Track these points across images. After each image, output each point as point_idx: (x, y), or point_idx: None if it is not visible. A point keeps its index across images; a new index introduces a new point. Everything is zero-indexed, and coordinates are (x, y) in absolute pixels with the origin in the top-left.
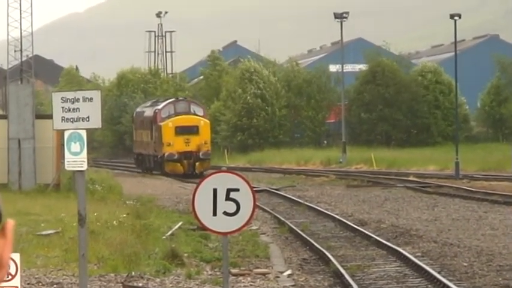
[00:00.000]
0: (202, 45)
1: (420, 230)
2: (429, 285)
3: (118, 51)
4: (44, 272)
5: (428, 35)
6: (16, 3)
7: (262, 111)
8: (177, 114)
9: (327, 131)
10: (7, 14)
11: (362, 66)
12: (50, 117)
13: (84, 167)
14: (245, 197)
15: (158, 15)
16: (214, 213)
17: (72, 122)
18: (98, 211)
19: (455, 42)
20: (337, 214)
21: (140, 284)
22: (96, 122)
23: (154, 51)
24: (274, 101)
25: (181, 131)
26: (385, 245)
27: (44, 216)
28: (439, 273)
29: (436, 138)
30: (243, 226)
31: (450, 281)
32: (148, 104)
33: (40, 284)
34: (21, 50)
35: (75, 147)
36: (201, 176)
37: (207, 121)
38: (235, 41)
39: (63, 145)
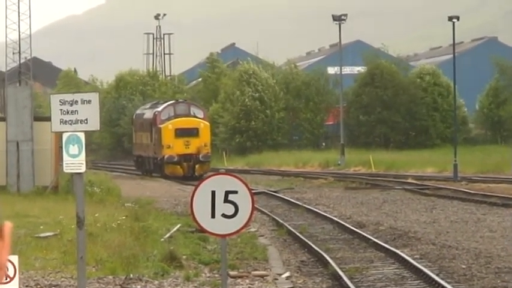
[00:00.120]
0: (200, 48)
1: (418, 232)
2: None
3: (116, 53)
4: (42, 274)
5: (426, 36)
6: (14, 5)
7: (260, 113)
8: (177, 116)
9: (326, 133)
10: (5, 16)
11: (360, 69)
12: (49, 119)
13: (83, 169)
14: (243, 199)
15: (156, 17)
16: (213, 216)
17: (70, 124)
18: (96, 213)
19: (454, 45)
20: (335, 216)
21: (138, 287)
22: (94, 124)
23: (153, 54)
24: (273, 103)
25: (181, 133)
26: (384, 247)
27: (42, 218)
28: (437, 275)
29: (435, 141)
30: (242, 228)
31: (448, 283)
32: (148, 106)
33: (38, 286)
34: (19, 52)
35: (73, 149)
36: (200, 179)
37: (207, 123)
38: (234, 44)
39: (62, 147)
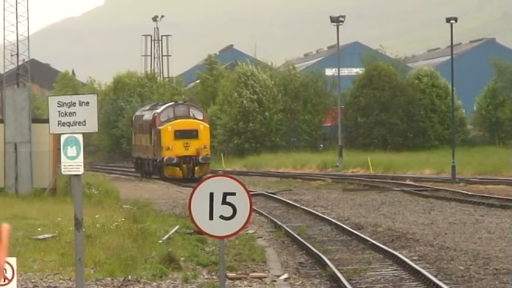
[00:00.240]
0: (198, 49)
1: (417, 233)
2: None
3: (114, 55)
4: (41, 276)
5: (424, 38)
6: (12, 7)
7: (258, 115)
8: (176, 118)
9: (324, 135)
10: (3, 18)
11: (358, 70)
12: (47, 121)
13: (81, 171)
14: (242, 201)
15: (154, 19)
16: (211, 217)
17: (68, 126)
18: (94, 215)
19: (452, 46)
20: (333, 218)
21: None
22: (92, 126)
23: (151, 55)
24: (271, 105)
25: (180, 135)
26: (382, 248)
27: (40, 220)
28: (435, 276)
29: (433, 142)
30: (240, 230)
31: (447, 284)
32: (148, 107)
33: None
34: (17, 54)
35: (71, 151)
36: (199, 181)
37: (207, 125)
38: (232, 45)
39: (60, 149)
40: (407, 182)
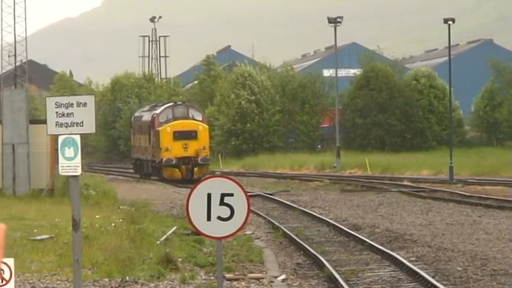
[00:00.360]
0: (196, 50)
1: (414, 234)
2: None
3: (112, 56)
4: (38, 277)
5: (422, 39)
6: (10, 8)
7: (256, 116)
8: (175, 118)
9: (321, 136)
10: (1, 19)
11: (356, 71)
12: (44, 122)
13: (78, 172)
14: (239, 202)
15: (152, 20)
16: (209, 218)
17: (66, 127)
18: (92, 216)
19: (449, 47)
20: (331, 219)
21: None
22: (90, 127)
23: (149, 56)
24: (269, 105)
25: (179, 136)
26: (379, 249)
27: (38, 221)
28: (433, 277)
29: (430, 143)
30: (237, 231)
31: (444, 285)
32: (147, 108)
33: None
34: (15, 55)
35: (69, 152)
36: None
37: (206, 126)
38: (229, 46)
39: (57, 150)
40: (405, 182)
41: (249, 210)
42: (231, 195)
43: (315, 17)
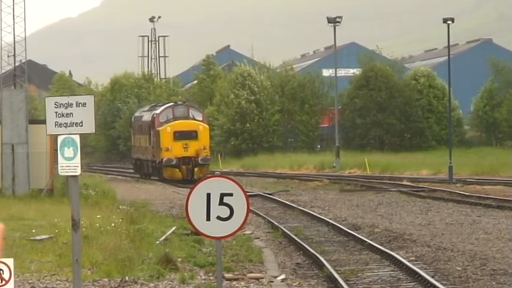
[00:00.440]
0: (195, 50)
1: (414, 234)
2: None
3: (111, 56)
4: (38, 277)
5: (421, 39)
6: (9, 8)
7: (255, 116)
8: (175, 118)
9: (321, 136)
10: (0, 19)
11: (355, 71)
12: (44, 122)
13: (78, 172)
14: (239, 202)
15: (151, 20)
16: (208, 218)
17: (65, 127)
18: (91, 216)
19: (449, 47)
20: (330, 219)
21: None
22: (89, 127)
23: (148, 56)
24: (268, 105)
25: (179, 136)
26: (379, 249)
27: (37, 221)
28: (432, 277)
29: (430, 143)
30: (237, 231)
31: (444, 285)
32: (147, 108)
33: None
34: (14, 55)
35: (68, 152)
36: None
37: (206, 126)
38: (228, 46)
39: (57, 150)
40: (405, 182)
41: (249, 210)
42: (231, 195)
43: (315, 17)
